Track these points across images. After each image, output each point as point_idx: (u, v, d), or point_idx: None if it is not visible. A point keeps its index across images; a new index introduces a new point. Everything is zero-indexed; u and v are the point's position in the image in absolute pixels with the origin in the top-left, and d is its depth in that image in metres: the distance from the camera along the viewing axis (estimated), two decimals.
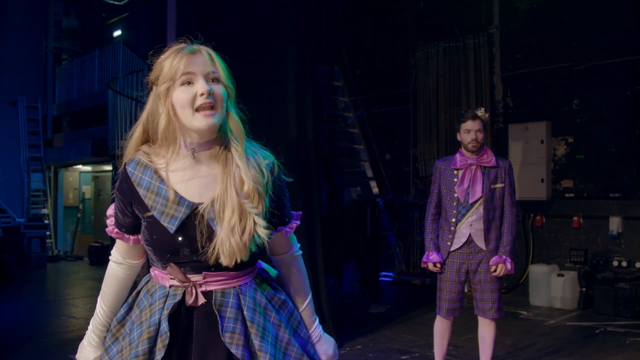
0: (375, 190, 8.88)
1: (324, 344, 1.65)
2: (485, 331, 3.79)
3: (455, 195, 3.69)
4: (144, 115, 1.50)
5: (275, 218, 1.55)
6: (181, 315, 1.45)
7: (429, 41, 8.58)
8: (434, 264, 3.75)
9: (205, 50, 1.46)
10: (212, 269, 1.45)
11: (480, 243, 3.67)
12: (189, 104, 1.40)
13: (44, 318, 6.46)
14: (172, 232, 1.42)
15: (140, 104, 9.69)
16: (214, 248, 1.41)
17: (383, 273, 8.49)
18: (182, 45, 1.49)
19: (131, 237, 1.57)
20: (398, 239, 8.85)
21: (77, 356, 1.69)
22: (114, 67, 12.10)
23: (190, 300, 1.44)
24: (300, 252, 1.69)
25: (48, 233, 11.92)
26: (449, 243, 3.72)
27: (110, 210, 1.62)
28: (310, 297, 1.66)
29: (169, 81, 1.42)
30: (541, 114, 7.37)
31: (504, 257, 3.66)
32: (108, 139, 10.82)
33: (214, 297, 1.45)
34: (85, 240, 12.77)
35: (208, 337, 1.43)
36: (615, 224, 6.67)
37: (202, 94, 1.39)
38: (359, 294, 7.18)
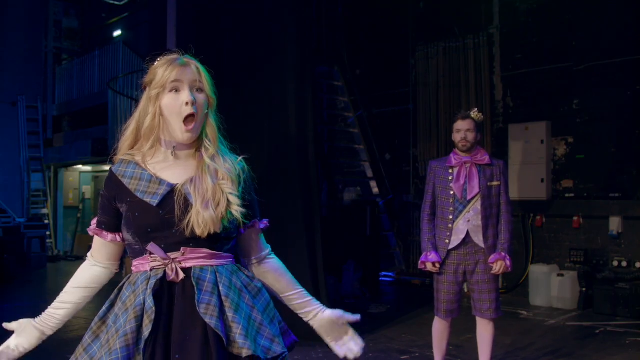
0: (375, 190, 8.88)
1: (330, 311, 1.71)
2: (484, 331, 3.79)
3: (452, 192, 3.71)
4: (137, 114, 1.69)
5: (250, 213, 1.69)
6: (164, 292, 1.54)
7: (429, 41, 8.58)
8: (433, 264, 3.74)
9: (193, 64, 1.66)
10: (191, 244, 1.57)
11: (477, 240, 3.67)
12: (176, 112, 1.60)
13: None
14: (154, 205, 1.56)
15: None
16: (189, 220, 1.55)
17: (383, 273, 8.49)
18: (175, 56, 1.67)
19: (109, 234, 1.69)
20: (398, 239, 8.85)
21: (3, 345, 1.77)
22: (114, 67, 12.11)
23: (171, 276, 1.54)
24: (273, 253, 1.79)
25: (48, 233, 11.92)
26: (447, 241, 3.72)
27: (94, 219, 1.75)
28: (300, 286, 1.76)
29: (159, 87, 1.62)
30: (541, 114, 7.37)
31: (503, 254, 3.66)
32: (108, 139, 10.83)
33: (192, 272, 1.55)
34: (85, 240, 12.76)
35: (187, 311, 1.52)
36: (615, 224, 6.67)
37: (187, 104, 1.59)
38: (359, 294, 7.17)
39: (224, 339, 1.49)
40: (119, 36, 13.71)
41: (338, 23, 9.59)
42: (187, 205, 1.57)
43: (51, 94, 13.83)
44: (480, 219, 3.65)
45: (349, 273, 7.25)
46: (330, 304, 5.55)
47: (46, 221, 11.95)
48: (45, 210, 12.28)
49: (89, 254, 1.77)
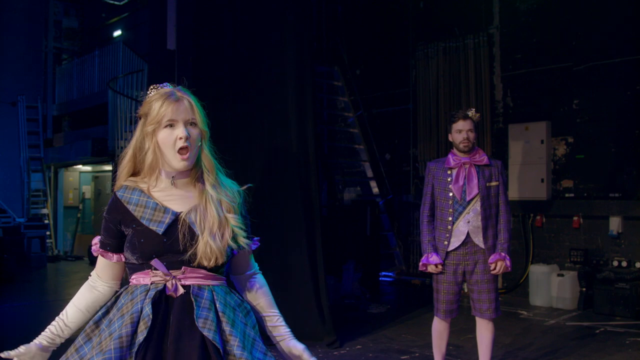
0: (375, 190, 8.88)
1: (296, 342, 1.84)
2: (484, 331, 3.78)
3: (451, 194, 3.69)
4: (133, 142, 1.78)
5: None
6: (161, 304, 1.64)
7: (429, 41, 8.58)
8: (435, 266, 3.73)
9: (186, 99, 1.75)
10: (191, 265, 1.68)
11: (477, 240, 3.65)
12: (171, 145, 1.71)
13: (44, 318, 6.44)
14: (160, 233, 1.67)
15: (141, 104, 9.70)
16: (196, 250, 1.67)
17: (383, 273, 8.49)
18: (169, 90, 1.76)
19: (114, 255, 1.78)
20: (398, 239, 8.85)
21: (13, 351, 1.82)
22: (114, 67, 12.11)
23: (170, 290, 1.66)
24: (260, 272, 1.93)
25: (48, 233, 11.92)
26: (446, 242, 3.71)
27: (96, 239, 1.85)
28: (278, 312, 1.89)
29: (155, 124, 1.72)
30: (541, 114, 7.37)
31: (502, 254, 3.65)
32: (108, 139, 10.82)
33: (191, 289, 1.67)
34: (85, 240, 12.77)
35: (184, 323, 1.61)
36: (615, 224, 6.67)
37: (180, 138, 1.70)
38: (359, 294, 7.17)
39: (220, 351, 1.58)
40: (119, 36, 13.72)
41: (338, 23, 9.59)
42: (191, 234, 1.68)
43: (51, 94, 13.83)
44: (480, 219, 3.64)
45: (349, 273, 7.25)
46: (330, 304, 5.53)
47: (46, 221, 11.95)
48: (45, 210, 12.28)
49: (93, 274, 1.85)
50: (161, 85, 1.79)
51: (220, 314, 1.66)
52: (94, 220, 13.55)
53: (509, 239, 3.72)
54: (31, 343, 1.82)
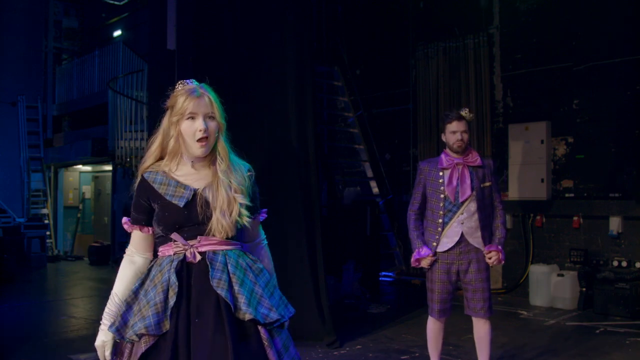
0: (375, 190, 8.88)
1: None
2: (481, 331, 3.80)
3: (442, 195, 3.68)
4: (161, 129, 2.07)
5: (252, 208, 2.08)
6: (183, 271, 1.94)
7: (429, 41, 8.58)
8: (428, 257, 3.75)
9: (207, 96, 2.05)
10: (206, 234, 1.97)
11: (473, 241, 3.66)
12: (191, 135, 2.00)
13: (44, 318, 6.47)
14: (181, 206, 1.96)
15: (141, 104, 9.71)
16: (211, 226, 1.96)
17: (383, 273, 8.49)
18: (192, 87, 2.06)
19: (147, 228, 2.07)
20: (398, 239, 8.85)
21: (96, 342, 2.03)
22: (114, 67, 12.11)
23: (189, 258, 1.95)
24: (266, 241, 2.23)
25: (48, 233, 11.92)
26: (434, 244, 3.72)
27: (125, 219, 2.13)
28: (274, 275, 2.16)
29: (179, 115, 2.01)
30: (541, 114, 7.37)
31: (499, 247, 3.69)
32: (108, 139, 10.82)
33: (207, 255, 1.96)
34: (85, 240, 12.77)
35: (203, 285, 1.91)
36: (615, 224, 6.67)
37: (200, 130, 2.00)
38: (359, 294, 7.17)
39: (231, 306, 1.87)
40: (119, 36, 13.72)
41: (338, 23, 9.59)
42: (207, 206, 1.98)
43: (51, 94, 13.83)
44: (476, 220, 3.65)
45: (349, 273, 7.25)
46: (330, 304, 5.52)
47: (46, 221, 11.95)
48: (45, 210, 12.28)
49: (129, 249, 2.11)
50: (188, 81, 2.08)
51: (231, 275, 1.93)
52: (94, 220, 13.55)
53: (505, 236, 3.78)
54: (102, 331, 2.01)
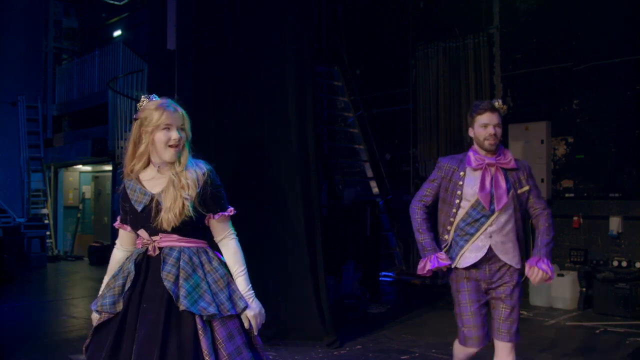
0: (375, 190, 8.88)
1: (254, 304, 2.35)
2: (505, 358, 3.08)
3: (458, 201, 3.09)
4: (132, 140, 2.37)
5: (211, 207, 2.36)
6: (143, 262, 2.30)
7: (429, 41, 8.58)
8: (446, 268, 3.12)
9: (180, 110, 2.37)
10: (165, 232, 2.29)
11: (504, 256, 3.07)
12: (165, 143, 2.32)
13: (44, 318, 6.46)
14: (139, 210, 2.33)
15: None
16: (160, 219, 2.27)
17: (383, 273, 8.48)
18: (165, 101, 2.38)
19: (127, 226, 2.44)
20: (398, 239, 8.85)
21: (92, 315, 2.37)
22: (114, 67, 12.11)
23: (150, 251, 2.30)
24: (235, 236, 2.42)
25: (48, 233, 11.91)
26: (455, 258, 3.12)
27: (118, 217, 2.50)
28: (243, 268, 2.38)
29: (154, 126, 2.32)
30: (541, 114, 7.37)
31: (543, 259, 3.07)
32: (108, 139, 10.82)
33: (163, 250, 2.29)
34: (85, 240, 12.77)
35: (156, 277, 2.24)
36: (615, 224, 6.67)
37: (174, 139, 2.32)
38: (359, 294, 7.17)
39: (173, 297, 2.18)
40: (119, 36, 13.71)
41: (338, 23, 9.59)
42: (159, 209, 2.29)
43: (51, 94, 13.82)
44: (508, 232, 3.08)
45: (349, 273, 7.25)
46: (330, 304, 5.52)
47: (46, 221, 11.94)
48: (45, 210, 12.28)
49: (117, 243, 2.50)
50: (151, 96, 2.42)
51: (181, 269, 2.25)
52: (94, 220, 13.54)
53: (549, 242, 3.14)
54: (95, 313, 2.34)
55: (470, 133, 3.20)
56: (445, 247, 3.15)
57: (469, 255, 3.07)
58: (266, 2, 5.51)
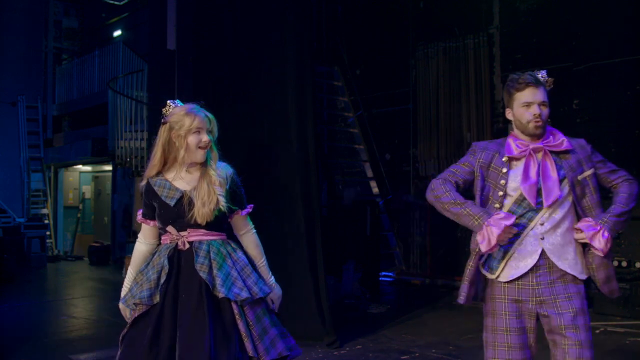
0: (375, 190, 8.88)
1: (276, 289, 2.64)
2: None
3: (501, 192, 2.43)
4: (160, 143, 2.54)
5: (234, 204, 2.55)
6: (175, 256, 2.46)
7: (429, 41, 8.58)
8: (509, 227, 2.32)
9: (208, 115, 2.56)
10: (194, 227, 2.47)
11: (562, 263, 2.40)
12: (196, 145, 2.50)
13: (44, 318, 6.46)
14: (172, 205, 2.48)
15: (141, 104, 9.71)
16: (193, 214, 2.44)
17: (383, 273, 8.49)
18: (194, 106, 2.56)
19: (151, 221, 2.60)
20: (398, 239, 8.85)
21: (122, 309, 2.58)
22: (114, 67, 12.10)
23: (180, 246, 2.47)
24: (255, 231, 2.66)
25: (48, 233, 11.92)
26: (493, 270, 2.44)
27: (139, 212, 2.66)
28: (264, 259, 2.64)
29: (187, 130, 2.49)
30: None
31: (603, 225, 2.35)
32: (108, 139, 10.81)
33: (193, 244, 2.47)
34: (85, 240, 12.77)
35: (190, 269, 2.42)
36: None
37: (205, 141, 2.51)
38: (359, 294, 7.17)
39: (209, 286, 2.37)
40: (119, 36, 13.71)
41: (338, 23, 9.59)
42: (191, 204, 2.46)
43: (51, 94, 13.82)
44: (566, 231, 2.41)
45: (349, 273, 7.25)
46: (330, 304, 5.51)
47: (46, 221, 11.95)
48: (45, 210, 12.28)
49: (140, 236, 2.65)
50: (174, 102, 2.58)
51: (212, 260, 2.43)
52: (94, 220, 13.55)
53: (622, 214, 2.41)
54: (124, 306, 2.53)
55: (509, 115, 2.55)
56: (485, 257, 2.45)
57: (516, 264, 2.39)
58: (266, 2, 5.52)
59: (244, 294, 2.40)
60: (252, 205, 2.64)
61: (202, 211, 2.42)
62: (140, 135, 9.36)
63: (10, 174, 12.12)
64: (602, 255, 2.38)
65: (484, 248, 2.34)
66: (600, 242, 2.35)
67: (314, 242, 5.22)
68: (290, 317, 5.31)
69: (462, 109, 8.15)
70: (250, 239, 2.64)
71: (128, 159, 9.65)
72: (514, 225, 2.34)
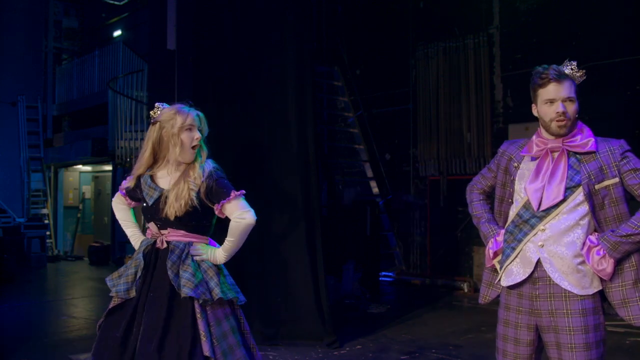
0: (375, 190, 8.88)
1: (218, 256, 2.58)
2: None
3: (511, 190, 2.37)
4: (151, 141, 2.59)
5: (217, 197, 2.52)
6: (152, 253, 2.55)
7: (429, 41, 8.58)
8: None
9: (199, 115, 2.64)
10: (174, 227, 2.53)
11: (558, 276, 2.18)
12: (189, 142, 2.57)
13: (44, 318, 6.46)
14: (150, 204, 2.58)
15: (141, 104, 9.71)
16: (165, 207, 2.51)
17: (383, 273, 8.49)
18: (183, 105, 2.62)
19: (129, 200, 2.75)
20: (398, 239, 8.85)
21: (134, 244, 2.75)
22: (114, 67, 12.11)
23: (158, 243, 2.55)
24: (248, 216, 2.52)
25: (48, 233, 11.91)
26: (500, 272, 2.35)
27: (125, 182, 2.74)
28: (232, 239, 2.53)
29: (181, 127, 2.55)
30: None
31: (604, 243, 2.16)
32: (108, 139, 10.82)
33: (171, 243, 2.53)
34: (85, 240, 12.77)
35: (163, 268, 2.49)
36: None
37: (197, 139, 2.58)
38: (359, 294, 7.18)
39: (175, 286, 2.44)
40: (119, 36, 13.72)
41: (338, 23, 9.59)
42: (167, 202, 2.52)
43: (51, 94, 13.82)
44: (573, 242, 2.20)
45: (349, 273, 7.25)
46: (330, 304, 5.51)
47: (46, 221, 11.94)
48: (45, 210, 12.28)
49: (114, 200, 2.81)
50: (162, 104, 2.62)
51: (182, 261, 2.49)
52: (94, 220, 13.55)
53: (627, 235, 2.12)
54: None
55: (534, 111, 2.39)
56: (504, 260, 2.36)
57: (517, 270, 2.26)
58: (266, 2, 5.52)
59: (207, 296, 2.45)
60: (242, 190, 2.55)
61: (174, 205, 2.48)
62: (140, 135, 9.37)
63: (10, 174, 12.11)
64: (603, 273, 2.17)
65: (486, 263, 2.47)
66: (592, 259, 2.17)
67: (314, 242, 5.22)
68: (290, 317, 5.34)
69: (462, 109, 8.15)
70: (231, 224, 2.53)
71: (128, 159, 9.66)
72: (504, 243, 2.34)
